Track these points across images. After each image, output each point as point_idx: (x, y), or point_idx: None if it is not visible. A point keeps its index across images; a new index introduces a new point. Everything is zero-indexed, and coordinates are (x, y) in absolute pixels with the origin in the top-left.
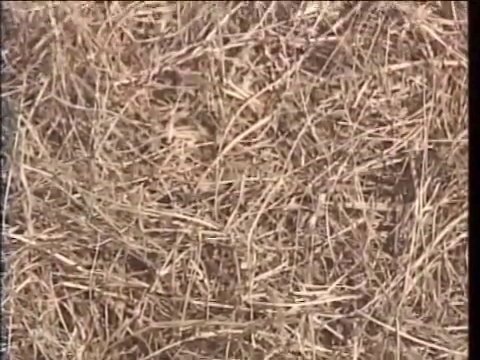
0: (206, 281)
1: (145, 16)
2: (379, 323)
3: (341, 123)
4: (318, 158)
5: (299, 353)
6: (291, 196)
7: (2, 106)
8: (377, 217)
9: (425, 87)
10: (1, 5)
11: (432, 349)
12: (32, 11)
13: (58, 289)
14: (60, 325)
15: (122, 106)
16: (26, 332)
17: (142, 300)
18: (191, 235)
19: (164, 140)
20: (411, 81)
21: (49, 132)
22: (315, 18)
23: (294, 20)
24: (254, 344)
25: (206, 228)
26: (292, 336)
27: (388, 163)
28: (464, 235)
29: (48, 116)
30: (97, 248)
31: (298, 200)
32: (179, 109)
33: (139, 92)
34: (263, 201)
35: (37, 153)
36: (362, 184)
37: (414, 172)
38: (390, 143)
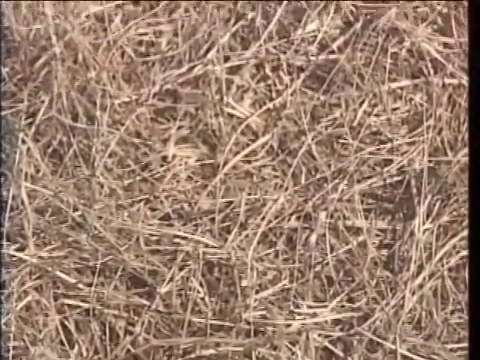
0: (207, 299)
1: (146, 34)
2: (379, 341)
3: (341, 141)
4: (318, 176)
5: None
6: (291, 214)
7: (3, 124)
8: (377, 235)
9: (425, 105)
10: (2, 23)
11: None
12: (33, 29)
13: (59, 306)
14: (61, 342)
15: (123, 124)
16: (27, 349)
17: (143, 318)
18: (192, 253)
19: (165, 158)
20: (411, 99)
21: (50, 150)
22: (316, 36)
23: (295, 38)
24: None
25: (207, 246)
26: (293, 354)
27: (388, 181)
28: (464, 253)
29: (49, 134)
30: (98, 266)
31: (298, 218)
32: (180, 127)
33: (140, 110)
34: (263, 219)
35: (38, 171)
36: (362, 202)
37: (414, 190)
38: (390, 161)
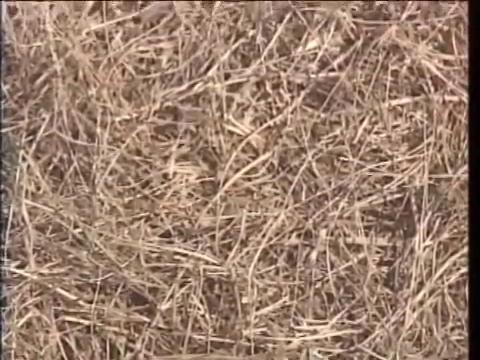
0: (207, 316)
1: (146, 52)
2: (380, 358)
3: (342, 158)
4: (319, 193)
5: None
6: (292, 231)
7: (3, 141)
8: (378, 252)
9: (426, 122)
10: (3, 40)
11: None
12: (33, 46)
13: (60, 323)
14: (62, 359)
15: (123, 142)
16: None
17: (143, 334)
18: (192, 270)
19: (165, 175)
20: (412, 116)
21: (50, 167)
22: (316, 54)
23: (295, 56)
24: None
25: (207, 263)
26: None
27: (389, 198)
28: (464, 270)
29: (49, 151)
30: (98, 283)
31: (299, 235)
32: (180, 145)
33: (140, 128)
34: (264, 236)
35: (38, 188)
36: (363, 219)
37: (414, 207)
38: (391, 178)
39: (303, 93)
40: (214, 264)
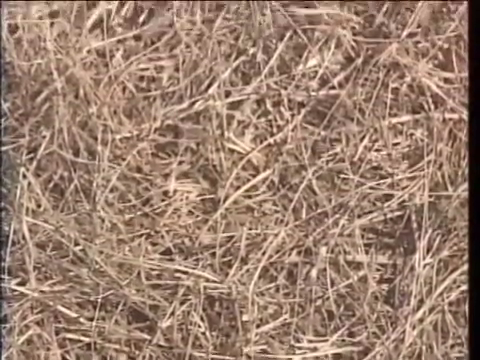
0: (208, 333)
1: (147, 69)
2: None
3: (342, 176)
4: (319, 211)
5: None
6: (292, 249)
7: (4, 159)
8: (378, 270)
9: (426, 140)
10: (3, 58)
11: None
12: (34, 64)
13: (60, 341)
14: None
15: (124, 159)
16: None
17: (144, 352)
18: (193, 287)
19: (166, 193)
20: (412, 134)
21: (51, 185)
22: (316, 72)
23: (296, 74)
24: None
25: (207, 280)
26: None
27: (389, 216)
28: (464, 287)
29: (50, 169)
30: (99, 300)
31: (299, 253)
32: (181, 162)
33: (141, 145)
34: (264, 254)
35: (39, 206)
36: (363, 237)
37: (415, 225)
38: (391, 196)
39: (303, 111)
40: (214, 282)
